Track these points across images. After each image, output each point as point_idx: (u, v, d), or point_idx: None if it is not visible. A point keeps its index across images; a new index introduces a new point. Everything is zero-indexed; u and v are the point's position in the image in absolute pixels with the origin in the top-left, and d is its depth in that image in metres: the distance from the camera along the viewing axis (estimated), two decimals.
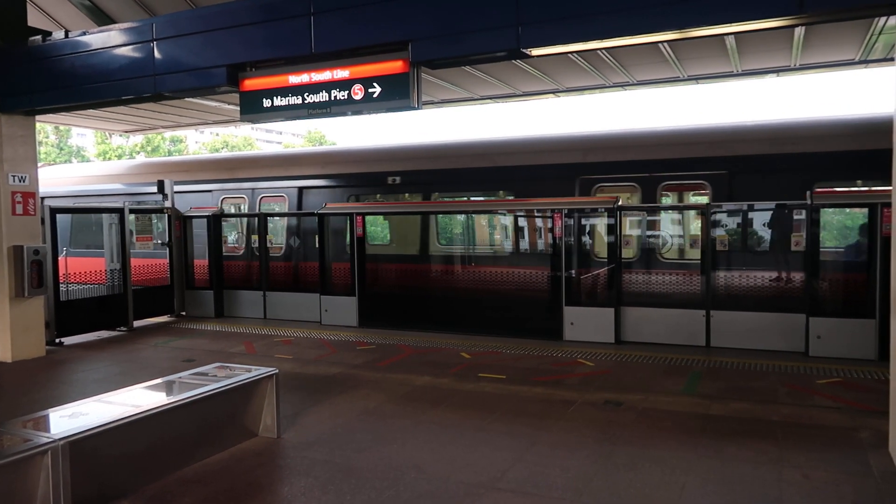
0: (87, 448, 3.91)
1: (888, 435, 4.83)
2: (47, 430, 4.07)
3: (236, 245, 12.99)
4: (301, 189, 12.22)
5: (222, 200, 13.02)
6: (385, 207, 11.87)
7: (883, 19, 7.39)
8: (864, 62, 9.54)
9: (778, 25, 5.20)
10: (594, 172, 10.10)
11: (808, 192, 8.01)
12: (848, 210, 9.14)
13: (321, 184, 12.18)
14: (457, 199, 11.69)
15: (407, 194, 11.79)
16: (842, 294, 8.25)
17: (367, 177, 11.88)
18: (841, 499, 4.08)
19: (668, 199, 10.21)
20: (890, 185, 5.20)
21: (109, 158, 40.08)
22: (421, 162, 11.57)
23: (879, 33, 8.06)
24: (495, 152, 11.08)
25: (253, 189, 12.76)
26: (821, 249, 8.21)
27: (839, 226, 9.68)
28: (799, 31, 8.07)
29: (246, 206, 12.87)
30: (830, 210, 9.14)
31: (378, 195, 12.03)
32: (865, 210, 8.00)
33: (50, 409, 4.63)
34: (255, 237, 12.09)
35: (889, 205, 6.82)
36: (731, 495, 4.14)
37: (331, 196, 11.83)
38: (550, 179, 10.31)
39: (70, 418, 4.24)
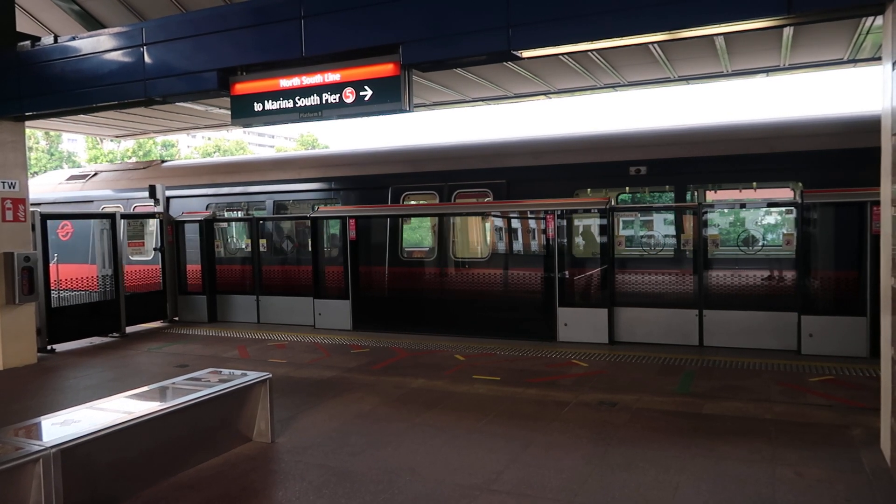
0: (79, 455, 3.89)
1: (880, 432, 4.87)
2: (39, 437, 4.03)
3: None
4: (511, 182, 10.79)
5: (404, 197, 11.54)
6: (379, 210, 11.84)
7: (870, 19, 7.44)
8: (853, 61, 9.62)
9: (767, 26, 5.24)
10: None
11: (798, 192, 8.06)
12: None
13: (533, 176, 10.66)
14: (722, 189, 10.11)
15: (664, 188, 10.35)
16: (833, 292, 8.29)
17: (598, 168, 10.36)
18: (834, 496, 4.10)
19: None
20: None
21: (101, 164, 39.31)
22: (672, 149, 10.09)
23: (867, 33, 8.13)
24: (774, 135, 9.53)
25: (445, 185, 11.29)
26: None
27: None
28: (788, 32, 8.12)
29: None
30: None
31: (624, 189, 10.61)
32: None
33: (42, 417, 4.60)
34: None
35: (878, 203, 6.87)
36: (724, 494, 4.16)
37: (544, 189, 10.38)
38: (856, 167, 8.55)
39: (62, 425, 4.22)
